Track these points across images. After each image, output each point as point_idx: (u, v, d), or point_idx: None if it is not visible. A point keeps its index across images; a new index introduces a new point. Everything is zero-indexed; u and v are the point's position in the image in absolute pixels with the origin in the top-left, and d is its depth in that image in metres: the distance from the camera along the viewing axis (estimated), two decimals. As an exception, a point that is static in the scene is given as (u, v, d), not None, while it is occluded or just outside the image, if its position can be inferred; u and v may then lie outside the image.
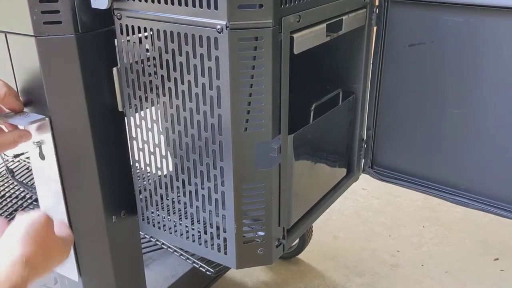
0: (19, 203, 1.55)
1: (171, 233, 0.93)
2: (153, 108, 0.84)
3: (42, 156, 0.85)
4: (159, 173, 0.89)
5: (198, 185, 0.84)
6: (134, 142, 0.89)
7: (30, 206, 1.53)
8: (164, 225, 0.93)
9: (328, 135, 1.06)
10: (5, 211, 1.50)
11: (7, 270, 0.61)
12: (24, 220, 0.68)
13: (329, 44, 0.94)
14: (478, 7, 0.94)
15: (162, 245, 1.38)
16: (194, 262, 1.31)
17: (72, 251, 0.92)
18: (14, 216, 1.48)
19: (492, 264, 1.71)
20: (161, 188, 0.90)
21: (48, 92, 0.80)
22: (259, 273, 1.67)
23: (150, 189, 0.91)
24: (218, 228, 0.86)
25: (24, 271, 0.62)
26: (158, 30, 0.76)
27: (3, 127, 0.78)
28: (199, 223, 0.88)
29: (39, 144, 0.84)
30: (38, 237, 0.66)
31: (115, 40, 0.83)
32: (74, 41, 0.78)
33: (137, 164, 0.91)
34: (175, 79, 0.78)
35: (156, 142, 0.87)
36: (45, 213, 0.70)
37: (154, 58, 0.79)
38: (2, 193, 1.60)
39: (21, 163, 1.75)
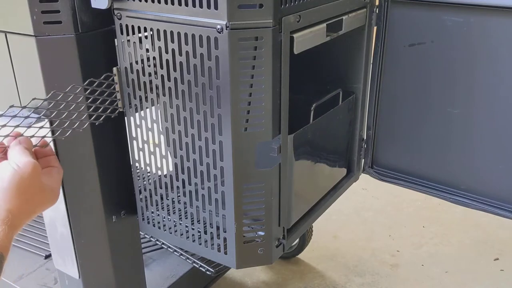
0: (19, 203, 1.54)
1: (171, 233, 0.93)
2: (153, 108, 0.84)
3: (42, 156, 0.85)
4: (159, 173, 0.89)
5: (198, 185, 0.84)
6: (134, 142, 0.89)
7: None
8: (164, 225, 0.93)
9: (328, 135, 1.06)
10: (5, 211, 1.50)
11: None
12: (9, 167, 0.64)
13: (329, 44, 0.94)
14: (478, 7, 0.94)
15: (162, 245, 1.38)
16: (194, 262, 1.31)
17: (72, 250, 0.92)
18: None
19: (492, 264, 1.71)
20: (161, 188, 0.90)
21: (48, 92, 0.80)
22: (259, 273, 1.67)
23: (150, 189, 0.91)
24: (218, 228, 0.86)
25: (9, 230, 0.60)
26: (158, 30, 0.76)
27: None
28: (199, 223, 0.88)
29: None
30: (24, 188, 0.63)
31: (115, 40, 0.83)
32: (74, 41, 0.78)
33: (137, 164, 0.91)
34: (175, 79, 0.78)
35: (156, 142, 0.87)
36: (31, 160, 0.65)
37: (154, 58, 0.79)
38: (2, 193, 1.60)
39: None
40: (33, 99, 0.74)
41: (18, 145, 0.68)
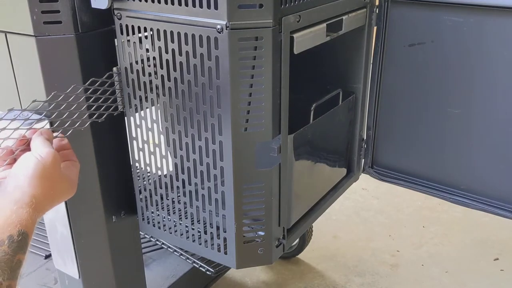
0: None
1: (171, 233, 0.93)
2: (153, 108, 0.84)
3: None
4: (159, 173, 0.89)
5: (198, 185, 0.84)
6: (134, 142, 0.89)
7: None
8: (164, 225, 0.93)
9: (328, 135, 1.06)
10: (5, 211, 1.50)
11: (18, 211, 0.62)
12: (33, 157, 0.68)
13: (329, 44, 0.94)
14: (478, 7, 0.94)
15: (162, 245, 1.38)
16: (194, 262, 1.31)
17: (72, 250, 0.92)
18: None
19: (492, 264, 1.71)
20: (161, 188, 0.90)
21: (48, 92, 0.80)
22: (259, 273, 1.67)
23: (150, 189, 0.91)
24: (218, 228, 0.86)
25: (33, 212, 0.63)
26: (158, 30, 0.76)
27: None
28: (199, 223, 0.88)
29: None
30: (46, 176, 0.67)
31: (115, 40, 0.83)
32: (74, 41, 0.78)
33: (137, 164, 0.91)
34: (175, 79, 0.78)
35: (156, 142, 0.87)
36: (52, 150, 0.69)
37: (154, 58, 0.79)
38: (2, 193, 1.60)
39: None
40: (54, 93, 0.76)
41: (39, 136, 0.71)
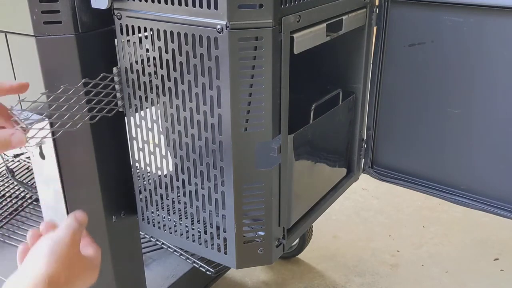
0: (19, 203, 1.55)
1: (171, 233, 0.93)
2: (153, 108, 0.84)
3: (42, 156, 0.85)
4: (159, 173, 0.89)
5: (198, 185, 0.84)
6: (134, 142, 0.89)
7: (30, 206, 1.53)
8: (164, 225, 0.93)
9: (328, 135, 1.06)
10: (5, 211, 1.50)
11: None
12: (50, 238, 0.68)
13: (329, 44, 0.94)
14: (478, 7, 0.94)
15: (162, 245, 1.38)
16: (194, 262, 1.31)
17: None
18: (14, 216, 1.48)
19: (492, 264, 1.71)
20: (161, 188, 0.90)
21: (48, 92, 0.80)
22: (259, 273, 1.67)
23: (150, 189, 0.91)
24: (218, 228, 0.86)
25: None
26: (158, 30, 0.76)
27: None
28: (199, 223, 0.88)
29: (39, 144, 0.84)
30: (62, 256, 0.66)
31: (115, 40, 0.83)
32: (74, 41, 0.78)
33: (137, 164, 0.91)
34: (175, 79, 0.78)
35: (156, 142, 0.87)
36: (72, 231, 0.69)
37: (154, 58, 0.79)
38: (2, 193, 1.60)
39: (21, 163, 1.75)
40: (42, 94, 0.76)
41: (70, 218, 0.72)
